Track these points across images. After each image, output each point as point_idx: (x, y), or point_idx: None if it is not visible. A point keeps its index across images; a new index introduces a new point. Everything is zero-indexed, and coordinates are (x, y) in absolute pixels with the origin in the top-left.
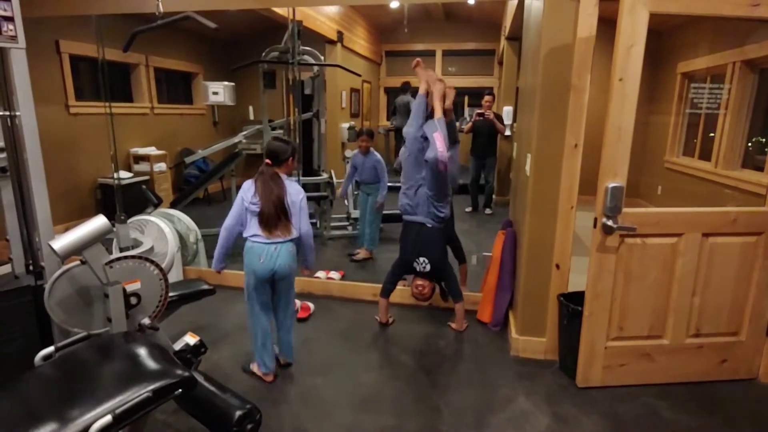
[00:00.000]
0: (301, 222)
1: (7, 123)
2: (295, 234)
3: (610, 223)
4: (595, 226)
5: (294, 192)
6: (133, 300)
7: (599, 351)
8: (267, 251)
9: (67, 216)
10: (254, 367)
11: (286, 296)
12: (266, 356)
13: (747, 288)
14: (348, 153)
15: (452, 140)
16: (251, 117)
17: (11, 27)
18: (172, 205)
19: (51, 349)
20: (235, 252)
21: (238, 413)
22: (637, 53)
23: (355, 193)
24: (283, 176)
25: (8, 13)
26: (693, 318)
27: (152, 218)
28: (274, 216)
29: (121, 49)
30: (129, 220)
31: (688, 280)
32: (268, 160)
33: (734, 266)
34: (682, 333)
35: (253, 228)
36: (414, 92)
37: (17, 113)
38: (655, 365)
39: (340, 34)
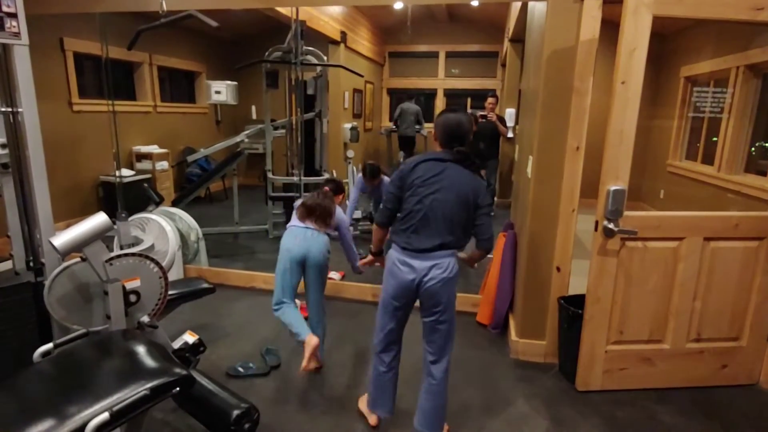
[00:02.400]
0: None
1: (9, 119)
2: (326, 231)
3: (611, 226)
4: (596, 229)
5: (339, 218)
6: (133, 298)
7: (599, 355)
8: (303, 234)
9: (69, 213)
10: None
11: (316, 283)
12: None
13: (748, 293)
14: (350, 153)
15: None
16: (254, 116)
17: (14, 24)
18: (174, 204)
19: (50, 345)
20: (235, 252)
21: (236, 412)
22: (640, 56)
23: None
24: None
25: (12, 10)
26: (694, 323)
27: (153, 216)
28: (312, 209)
29: (125, 47)
30: (130, 218)
31: (689, 285)
32: (326, 188)
33: (735, 271)
34: (683, 338)
35: (293, 219)
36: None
37: (20, 110)
38: (655, 369)
39: (343, 34)
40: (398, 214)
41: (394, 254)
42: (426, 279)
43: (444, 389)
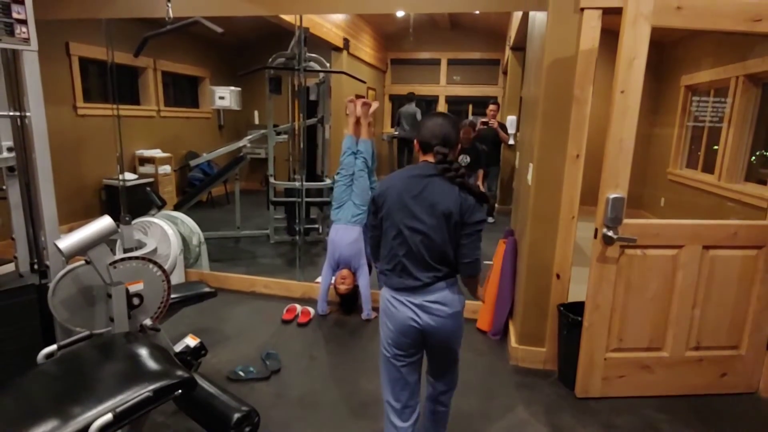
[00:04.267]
0: None
1: (17, 123)
2: None
3: (610, 233)
4: (595, 236)
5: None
6: (136, 301)
7: (598, 362)
8: None
9: (72, 216)
10: None
11: None
12: None
13: (747, 302)
14: None
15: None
16: (256, 121)
17: (24, 30)
18: (176, 208)
19: (53, 347)
20: (236, 256)
21: (236, 415)
22: (639, 66)
23: None
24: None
25: (22, 16)
26: (693, 331)
27: (156, 220)
28: None
29: (130, 52)
30: (133, 222)
31: (688, 293)
32: None
33: (734, 279)
34: (682, 346)
35: None
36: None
37: (27, 114)
38: (654, 377)
39: (346, 41)
40: (382, 251)
41: (387, 293)
42: (430, 320)
43: (449, 411)
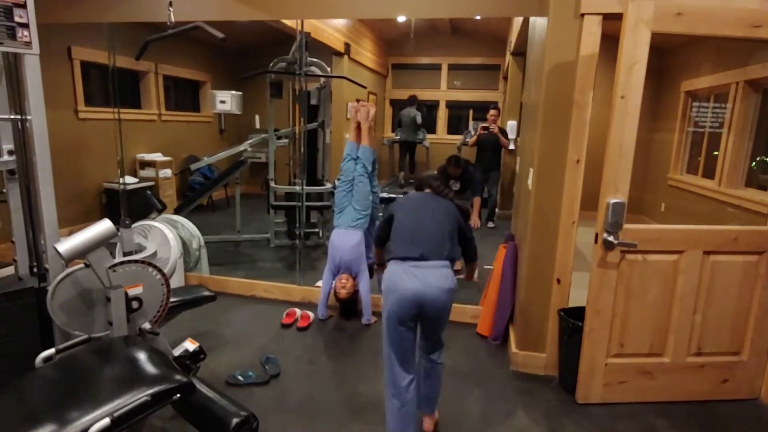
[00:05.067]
0: None
1: (18, 126)
2: None
3: (611, 238)
4: (596, 241)
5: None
6: (135, 304)
7: (599, 367)
8: None
9: (72, 219)
10: None
11: None
12: None
13: (748, 307)
14: None
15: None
16: (257, 126)
17: (26, 33)
18: (176, 211)
19: (52, 351)
20: (236, 260)
21: (235, 420)
22: (639, 71)
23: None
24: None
25: (24, 20)
26: (694, 336)
27: (156, 223)
28: None
29: (132, 56)
30: (133, 225)
31: (689, 298)
32: None
33: (736, 285)
34: (683, 351)
35: None
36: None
37: (28, 117)
38: (655, 383)
39: (347, 46)
40: (393, 238)
41: (392, 267)
42: (429, 292)
43: (442, 366)
